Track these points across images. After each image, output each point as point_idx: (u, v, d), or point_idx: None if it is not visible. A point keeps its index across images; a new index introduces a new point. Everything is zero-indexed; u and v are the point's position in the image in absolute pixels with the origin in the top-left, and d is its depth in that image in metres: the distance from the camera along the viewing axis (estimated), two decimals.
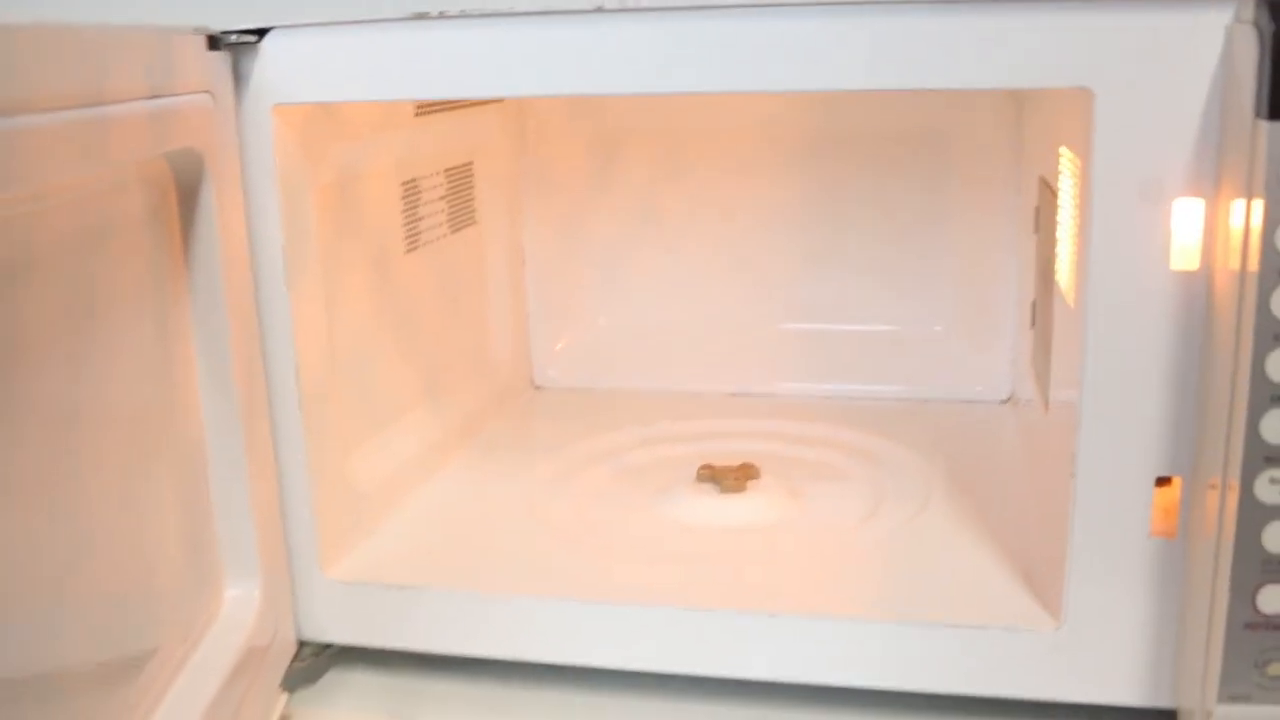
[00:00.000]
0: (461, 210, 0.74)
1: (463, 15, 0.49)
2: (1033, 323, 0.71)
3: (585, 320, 0.85)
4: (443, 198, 0.71)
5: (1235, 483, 0.43)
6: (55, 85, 0.37)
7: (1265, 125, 0.41)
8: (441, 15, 0.49)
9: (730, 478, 0.65)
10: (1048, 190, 0.63)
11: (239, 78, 0.51)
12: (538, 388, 0.85)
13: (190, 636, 0.48)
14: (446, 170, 0.72)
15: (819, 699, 0.53)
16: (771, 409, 0.78)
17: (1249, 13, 0.42)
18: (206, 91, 0.48)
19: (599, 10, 0.48)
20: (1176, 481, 0.47)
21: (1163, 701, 0.49)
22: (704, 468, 0.66)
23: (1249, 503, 0.43)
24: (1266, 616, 0.44)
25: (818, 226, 0.79)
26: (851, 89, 0.46)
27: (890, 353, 0.80)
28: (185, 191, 0.48)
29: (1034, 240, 0.69)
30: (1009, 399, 0.78)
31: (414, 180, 0.67)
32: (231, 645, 0.50)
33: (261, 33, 0.51)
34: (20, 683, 0.37)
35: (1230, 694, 0.45)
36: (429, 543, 0.60)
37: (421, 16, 0.49)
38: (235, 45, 0.50)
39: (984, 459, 0.69)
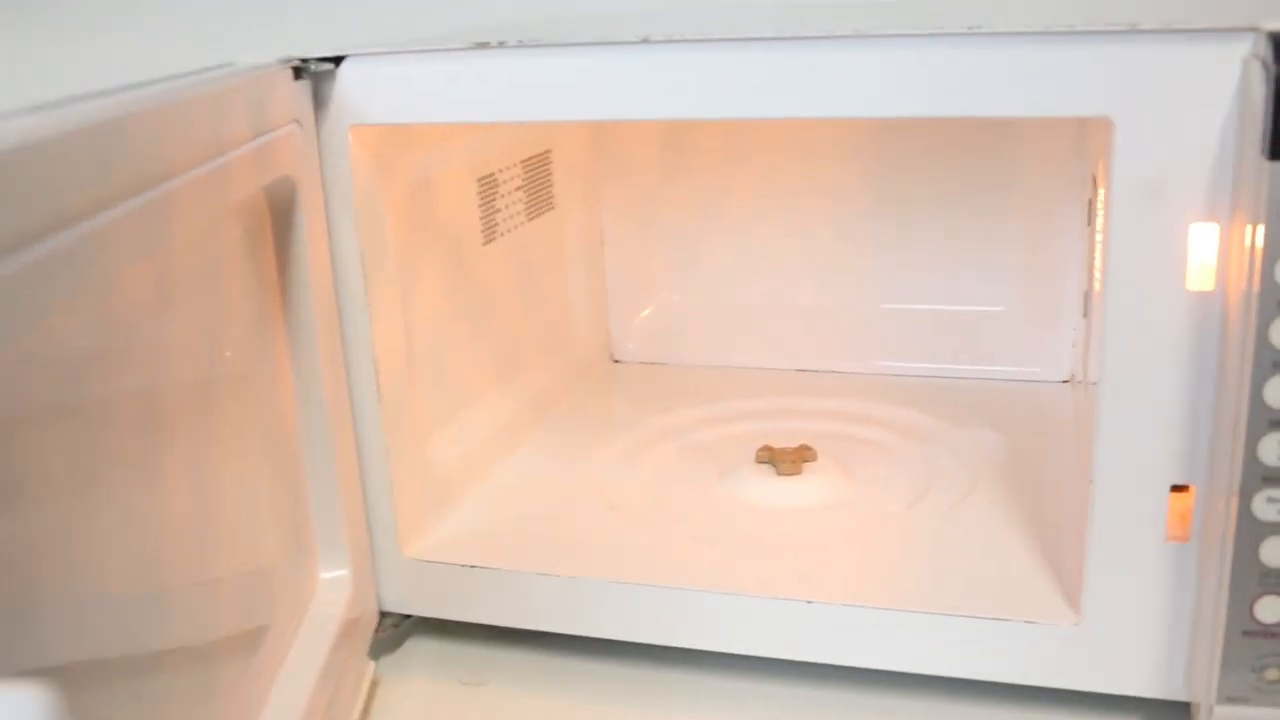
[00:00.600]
0: (539, 198, 0.78)
1: (520, 45, 0.52)
2: (1084, 312, 0.72)
3: (660, 298, 0.88)
4: (520, 188, 0.75)
5: (1235, 499, 0.45)
6: (187, 151, 0.42)
7: (1268, 165, 0.42)
8: (501, 45, 0.53)
9: (787, 461, 0.69)
10: (1095, 187, 0.64)
11: (317, 102, 0.55)
12: (616, 361, 0.89)
13: (296, 613, 0.54)
14: (523, 161, 0.76)
15: (855, 679, 0.57)
16: (835, 386, 0.81)
17: (1262, 47, 0.44)
18: (295, 120, 0.53)
19: (645, 41, 0.51)
20: (1192, 489, 0.49)
21: (1176, 695, 0.51)
22: (763, 449, 0.70)
23: (1247, 519, 0.45)
24: (1264, 625, 0.46)
25: (883, 208, 0.81)
26: (880, 116, 0.49)
27: (953, 332, 0.82)
28: (279, 215, 0.53)
29: (1088, 230, 0.71)
30: (1069, 379, 0.80)
31: (490, 175, 0.72)
32: (331, 619, 0.55)
33: (338, 60, 0.55)
34: (169, 652, 0.42)
35: (1228, 696, 0.47)
36: (500, 522, 0.65)
37: (483, 46, 0.53)
38: (315, 74, 0.55)
39: (1039, 442, 0.71)
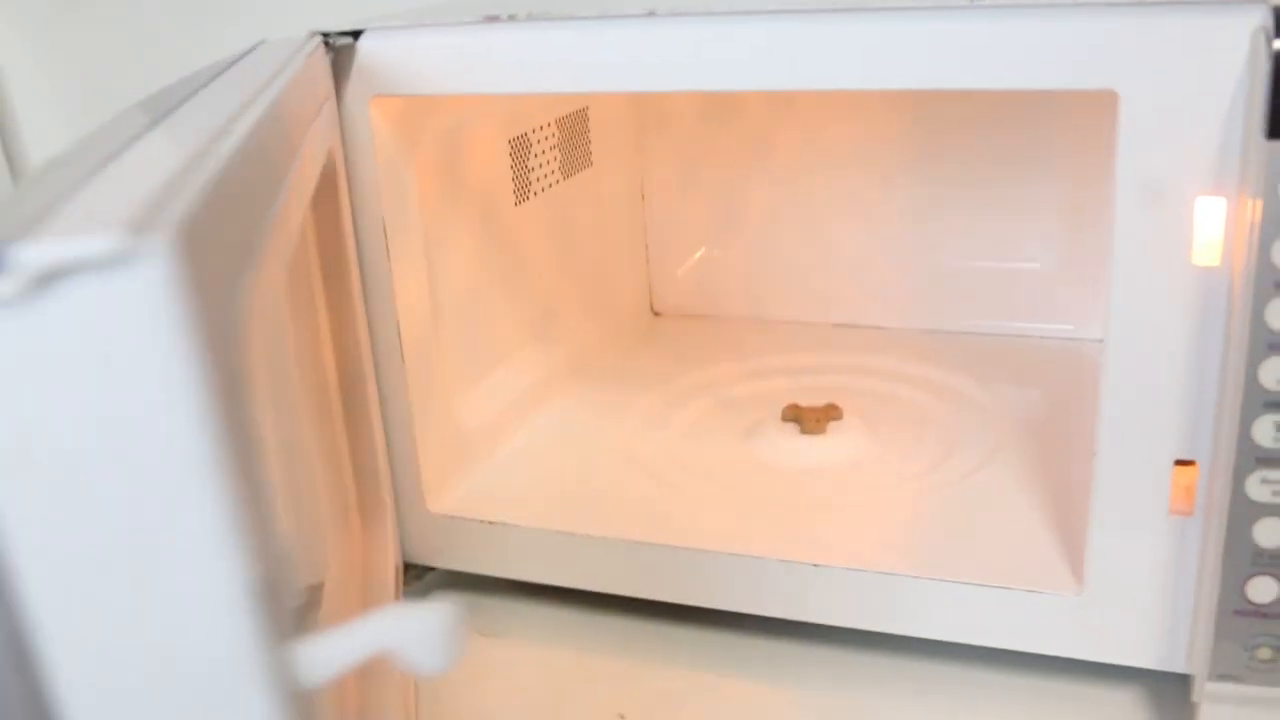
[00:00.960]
0: (576, 155, 0.79)
1: (530, 18, 0.53)
2: None
3: (701, 251, 0.89)
4: (555, 146, 0.76)
5: (1229, 479, 0.45)
6: (297, 138, 0.44)
7: (1267, 144, 0.42)
8: (510, 18, 0.53)
9: (812, 419, 0.69)
10: None
11: (338, 75, 0.57)
12: (656, 314, 0.90)
13: (346, 570, 0.57)
14: (558, 120, 0.76)
15: (859, 640, 0.58)
16: (873, 342, 0.81)
17: (1269, 21, 0.43)
18: (331, 95, 0.55)
19: (650, 15, 0.51)
20: (1196, 465, 0.49)
21: (1177, 667, 0.52)
22: (790, 407, 0.71)
23: (1240, 499, 0.45)
24: (1256, 605, 0.46)
25: (925, 163, 0.80)
26: (886, 89, 0.49)
27: (992, 289, 0.81)
28: (325, 187, 0.55)
29: None
30: None
31: (523, 135, 0.72)
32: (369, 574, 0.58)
33: (357, 34, 0.56)
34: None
35: (1220, 674, 0.47)
36: (525, 479, 0.66)
37: (492, 19, 0.54)
38: (337, 48, 0.56)
39: (1071, 402, 0.71)
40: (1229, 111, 0.44)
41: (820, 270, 0.85)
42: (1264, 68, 0.42)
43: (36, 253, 0.21)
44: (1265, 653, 0.46)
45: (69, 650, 0.23)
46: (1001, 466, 0.64)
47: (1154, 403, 0.48)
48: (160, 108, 0.37)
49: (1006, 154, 0.78)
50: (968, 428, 0.69)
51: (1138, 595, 0.51)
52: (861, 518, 0.60)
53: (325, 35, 0.56)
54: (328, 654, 0.27)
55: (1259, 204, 0.42)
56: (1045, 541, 0.56)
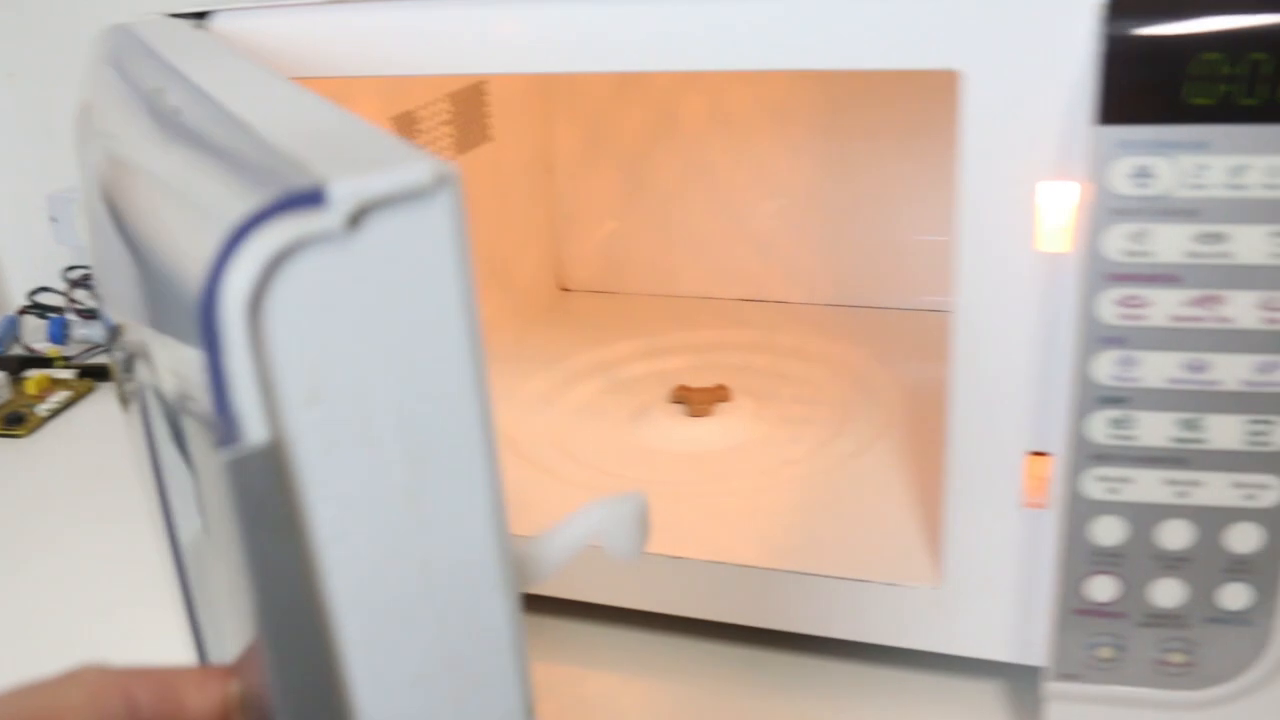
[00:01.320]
0: (472, 130, 0.77)
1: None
2: None
3: (609, 226, 0.87)
4: (448, 122, 0.74)
5: (1067, 476, 0.44)
6: None
7: (1095, 129, 0.40)
8: None
9: (699, 401, 0.68)
10: None
11: None
12: (565, 290, 0.89)
13: None
14: (451, 95, 0.74)
15: (724, 633, 0.57)
16: (779, 317, 0.80)
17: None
18: None
19: None
20: (1050, 457, 0.48)
21: (1034, 660, 0.50)
22: (679, 389, 0.69)
23: (1077, 497, 0.44)
24: (1095, 604, 0.45)
25: (835, 137, 0.78)
26: (726, 69, 0.47)
27: (901, 262, 0.80)
28: None
29: None
30: None
31: (408, 112, 0.71)
32: None
33: (203, 15, 0.54)
34: None
35: (1063, 673, 0.46)
36: None
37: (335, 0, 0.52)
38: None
39: None
40: (1072, 94, 0.42)
41: (728, 244, 0.84)
42: (1095, 50, 0.40)
43: (355, 187, 0.23)
44: (1106, 652, 0.45)
45: (349, 565, 0.25)
46: (884, 451, 0.62)
47: (1003, 393, 0.47)
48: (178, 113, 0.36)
49: (914, 126, 0.77)
50: (860, 408, 0.68)
51: (995, 589, 0.50)
52: (731, 506, 0.59)
53: (175, 16, 0.54)
54: (548, 552, 0.32)
55: (1089, 190, 0.41)
56: (911, 532, 0.55)
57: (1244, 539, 0.43)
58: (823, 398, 0.69)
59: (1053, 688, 0.47)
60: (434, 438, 0.25)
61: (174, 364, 0.27)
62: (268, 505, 0.23)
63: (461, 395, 0.25)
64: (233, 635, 0.29)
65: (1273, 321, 0.40)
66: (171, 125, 0.32)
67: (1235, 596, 0.43)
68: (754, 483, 0.61)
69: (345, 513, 0.24)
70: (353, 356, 0.24)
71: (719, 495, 0.60)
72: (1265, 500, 0.42)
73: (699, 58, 0.47)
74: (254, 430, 0.23)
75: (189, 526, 0.34)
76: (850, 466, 0.61)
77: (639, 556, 0.33)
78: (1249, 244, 0.39)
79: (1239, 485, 0.42)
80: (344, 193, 0.23)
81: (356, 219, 0.23)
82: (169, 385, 0.29)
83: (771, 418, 0.67)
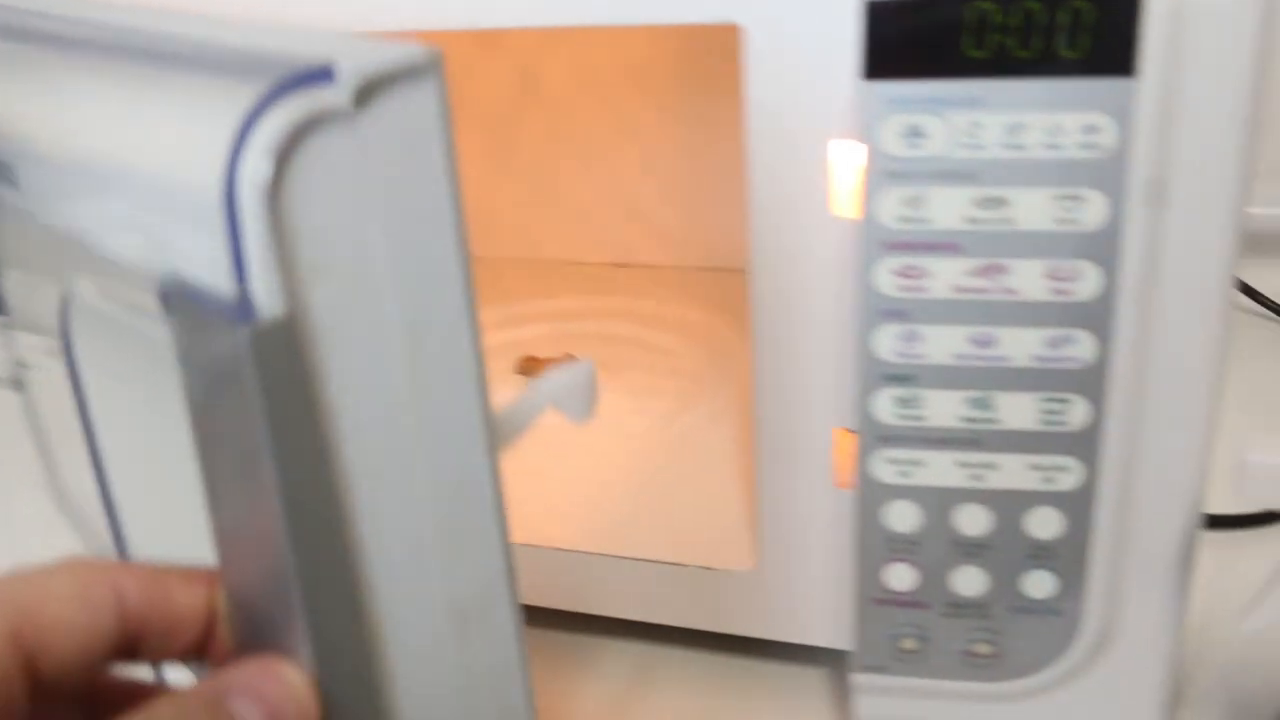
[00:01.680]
0: None
1: None
2: None
3: (473, 189, 0.83)
4: None
5: (858, 459, 0.41)
6: None
7: (863, 84, 0.37)
8: None
9: (544, 372, 0.64)
10: None
11: None
12: None
13: None
14: None
15: (553, 620, 0.54)
16: (645, 282, 0.77)
17: None
18: None
19: None
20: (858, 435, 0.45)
21: (847, 645, 0.48)
22: (525, 359, 0.66)
23: (869, 480, 0.41)
24: (895, 593, 0.42)
25: (695, 94, 0.75)
26: (502, 27, 0.44)
27: None
28: None
29: None
30: None
31: None
32: None
33: None
34: None
35: (868, 664, 0.44)
36: None
37: None
38: None
39: None
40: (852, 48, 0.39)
41: (595, 207, 0.80)
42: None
43: (361, 64, 0.23)
44: (910, 643, 0.43)
45: (360, 434, 0.26)
46: (728, 425, 0.60)
47: (805, 367, 0.44)
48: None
49: None
50: (712, 379, 0.64)
51: (808, 572, 0.47)
52: (557, 486, 0.56)
53: None
54: (515, 418, 0.33)
55: (863, 150, 0.37)
56: (736, 513, 0.52)
57: (1044, 524, 0.40)
58: (678, 369, 0.66)
59: (859, 680, 0.44)
60: (430, 308, 0.26)
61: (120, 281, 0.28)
62: (286, 378, 0.24)
63: (452, 265, 0.27)
64: (205, 546, 0.28)
65: (1060, 293, 0.37)
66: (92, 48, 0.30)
67: (1039, 585, 0.41)
68: (588, 460, 0.58)
69: (355, 383, 0.25)
70: (357, 231, 0.25)
71: (547, 473, 0.57)
72: (1064, 483, 0.39)
73: (464, 15, 0.43)
74: (271, 305, 0.23)
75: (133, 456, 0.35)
76: (690, 443, 0.58)
77: (591, 420, 0.36)
78: (1031, 209, 0.36)
79: (1036, 468, 0.39)
80: (352, 69, 0.23)
81: (362, 97, 0.24)
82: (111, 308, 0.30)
83: (620, 390, 0.64)
